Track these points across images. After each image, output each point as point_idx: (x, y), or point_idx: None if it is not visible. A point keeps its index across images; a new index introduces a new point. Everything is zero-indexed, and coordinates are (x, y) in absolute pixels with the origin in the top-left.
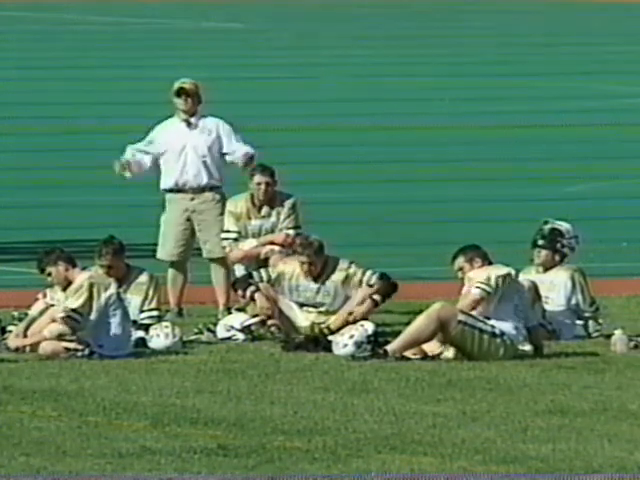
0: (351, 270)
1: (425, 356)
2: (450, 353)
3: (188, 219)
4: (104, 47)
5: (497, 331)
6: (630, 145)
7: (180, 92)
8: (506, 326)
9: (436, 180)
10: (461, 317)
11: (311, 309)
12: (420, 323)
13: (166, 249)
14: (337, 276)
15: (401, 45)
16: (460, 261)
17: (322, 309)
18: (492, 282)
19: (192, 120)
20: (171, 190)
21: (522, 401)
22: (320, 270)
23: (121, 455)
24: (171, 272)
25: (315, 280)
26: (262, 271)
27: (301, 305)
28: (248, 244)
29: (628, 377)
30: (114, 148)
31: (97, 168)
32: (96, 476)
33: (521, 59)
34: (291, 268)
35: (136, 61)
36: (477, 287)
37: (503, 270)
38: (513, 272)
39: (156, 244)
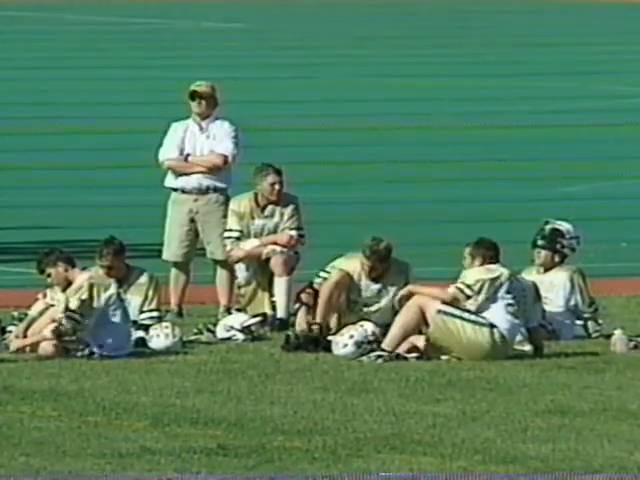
0: (409, 272)
1: (421, 355)
2: (420, 342)
3: (192, 220)
4: (104, 47)
5: (485, 321)
6: (630, 145)
7: (194, 95)
8: (498, 320)
9: (436, 180)
10: (440, 307)
11: (364, 309)
12: (402, 315)
13: (171, 250)
14: (399, 278)
15: (401, 45)
16: (467, 251)
17: (373, 308)
18: (475, 287)
19: (203, 124)
20: (175, 190)
21: (522, 401)
22: (382, 272)
23: (121, 455)
24: (174, 272)
25: (376, 281)
26: (322, 275)
27: (354, 303)
28: (250, 243)
29: (628, 377)
30: (114, 148)
31: (97, 168)
32: (96, 476)
33: (521, 59)
34: (352, 266)
35: (136, 61)
36: (456, 287)
37: (493, 273)
38: (506, 274)
39: (157, 244)
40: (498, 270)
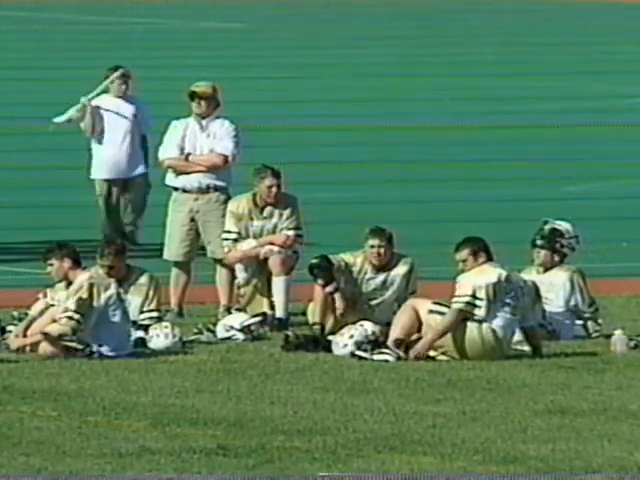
0: (414, 265)
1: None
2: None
3: (192, 219)
4: (104, 47)
5: (476, 318)
6: (630, 145)
7: (193, 96)
8: (492, 317)
9: (436, 180)
10: (431, 307)
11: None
12: (399, 318)
13: (171, 249)
14: (402, 268)
15: (401, 45)
16: (465, 253)
17: (377, 301)
18: (480, 294)
19: (203, 123)
20: (176, 189)
21: (522, 401)
22: (387, 262)
23: (121, 455)
24: (174, 272)
25: (380, 271)
26: (341, 257)
27: (358, 295)
28: (247, 244)
29: (628, 377)
30: None
31: None
32: (96, 476)
33: (521, 59)
34: (359, 260)
35: (136, 61)
36: (462, 304)
37: (493, 277)
38: (503, 275)
39: (157, 244)
40: (495, 272)
